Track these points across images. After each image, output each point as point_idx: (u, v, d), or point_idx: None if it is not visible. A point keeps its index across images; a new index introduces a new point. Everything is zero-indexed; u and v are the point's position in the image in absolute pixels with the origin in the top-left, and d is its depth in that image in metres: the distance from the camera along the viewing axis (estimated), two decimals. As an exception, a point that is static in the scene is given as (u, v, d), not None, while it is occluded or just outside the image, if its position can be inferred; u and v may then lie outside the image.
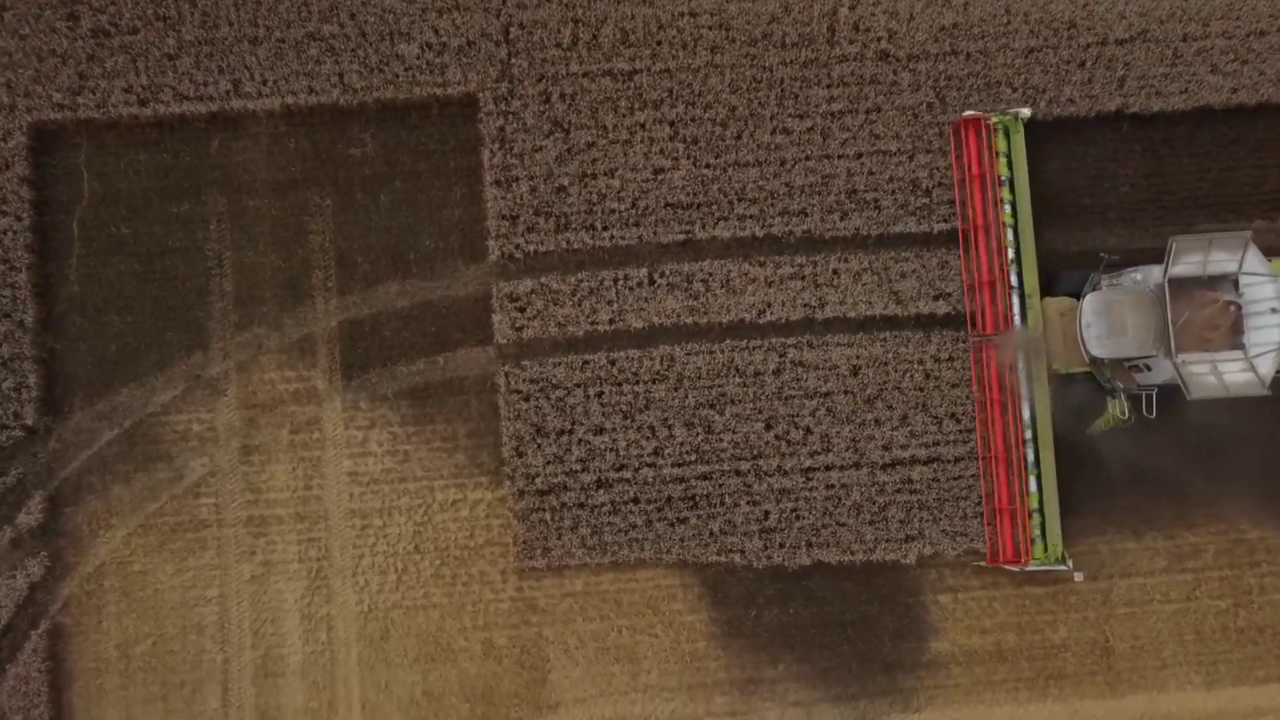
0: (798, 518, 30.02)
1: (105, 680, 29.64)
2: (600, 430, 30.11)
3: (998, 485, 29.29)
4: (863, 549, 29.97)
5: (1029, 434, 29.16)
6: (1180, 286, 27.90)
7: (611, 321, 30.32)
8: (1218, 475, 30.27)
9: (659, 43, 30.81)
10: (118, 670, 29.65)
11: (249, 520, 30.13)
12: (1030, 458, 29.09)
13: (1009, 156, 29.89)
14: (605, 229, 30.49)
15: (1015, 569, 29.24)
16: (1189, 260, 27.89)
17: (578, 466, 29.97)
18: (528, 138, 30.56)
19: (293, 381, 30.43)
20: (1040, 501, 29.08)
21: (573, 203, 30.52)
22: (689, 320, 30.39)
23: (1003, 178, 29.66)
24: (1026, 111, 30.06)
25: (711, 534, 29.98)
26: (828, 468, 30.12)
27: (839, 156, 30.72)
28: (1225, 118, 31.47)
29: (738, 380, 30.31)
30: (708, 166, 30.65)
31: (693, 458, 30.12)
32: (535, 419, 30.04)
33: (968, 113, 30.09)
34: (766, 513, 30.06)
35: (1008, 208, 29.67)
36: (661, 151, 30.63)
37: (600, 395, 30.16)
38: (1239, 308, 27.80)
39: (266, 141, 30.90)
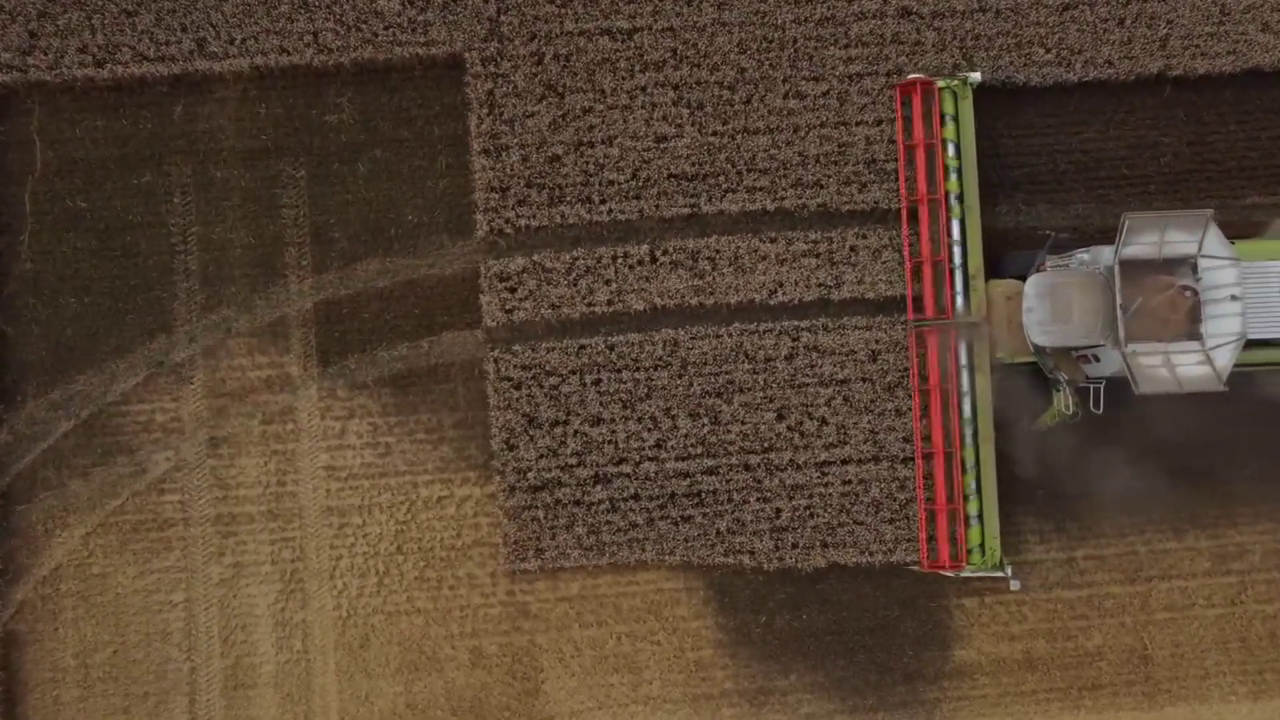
0: (811, 516, 29.02)
1: (63, 691, 28.77)
2: (598, 421, 29.08)
3: (935, 484, 28.29)
4: (881, 550, 28.92)
5: (968, 429, 28.10)
6: (1133, 269, 26.37)
7: (610, 303, 29.29)
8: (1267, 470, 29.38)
9: None
10: (76, 680, 28.79)
11: (217, 518, 29.20)
12: (969, 455, 28.12)
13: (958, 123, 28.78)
14: (603, 202, 29.40)
15: (952, 574, 28.39)
16: (1143, 240, 26.29)
17: (573, 460, 28.98)
18: (518, 102, 29.43)
19: (264, 368, 29.50)
20: (980, 502, 28.16)
21: (567, 173, 29.41)
22: (694, 301, 29.34)
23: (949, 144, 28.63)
24: (976, 75, 28.82)
25: (718, 533, 29.03)
26: (844, 461, 29.07)
27: (857, 123, 29.65)
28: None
29: (747, 366, 29.21)
30: (714, 134, 29.62)
31: (698, 451, 29.09)
32: (527, 409, 28.98)
33: (912, 75, 29.08)
34: (778, 510, 29.05)
35: (954, 179, 28.58)
36: (664, 118, 29.58)
37: (598, 383, 29.12)
38: (1195, 294, 26.22)
39: (234, 106, 29.89)
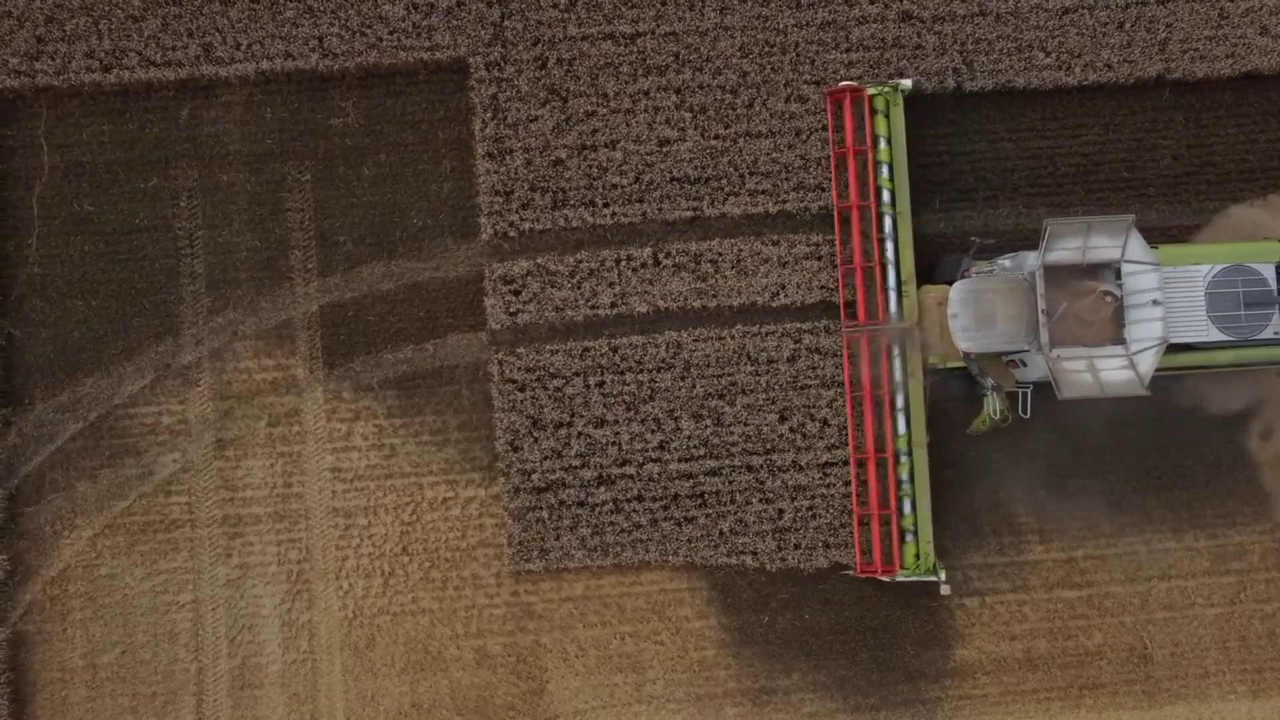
0: (814, 516, 28.96)
1: (70, 691, 28.73)
2: (601, 423, 29.05)
3: (868, 489, 28.15)
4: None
5: (902, 434, 28.01)
6: (1058, 275, 26.21)
7: (613, 305, 29.24)
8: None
9: (664, 3, 29.67)
10: (84, 681, 28.75)
11: (224, 520, 29.14)
12: (903, 460, 28.01)
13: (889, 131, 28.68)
14: (606, 205, 29.37)
15: (886, 579, 28.22)
16: (1066, 246, 26.09)
17: (577, 462, 28.96)
18: (522, 106, 29.41)
19: (270, 370, 29.45)
20: (914, 507, 28.10)
21: (571, 177, 29.37)
22: (697, 304, 29.30)
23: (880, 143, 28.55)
24: (907, 83, 28.70)
25: (721, 534, 29.01)
26: (846, 463, 28.97)
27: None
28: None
29: (749, 368, 29.18)
30: (717, 137, 29.57)
31: (701, 452, 29.06)
32: (531, 410, 28.98)
33: (844, 83, 28.91)
34: (780, 511, 29.00)
35: (886, 181, 28.50)
36: (667, 121, 29.54)
37: (601, 385, 29.08)
38: (1116, 299, 26.05)
39: (240, 110, 29.83)
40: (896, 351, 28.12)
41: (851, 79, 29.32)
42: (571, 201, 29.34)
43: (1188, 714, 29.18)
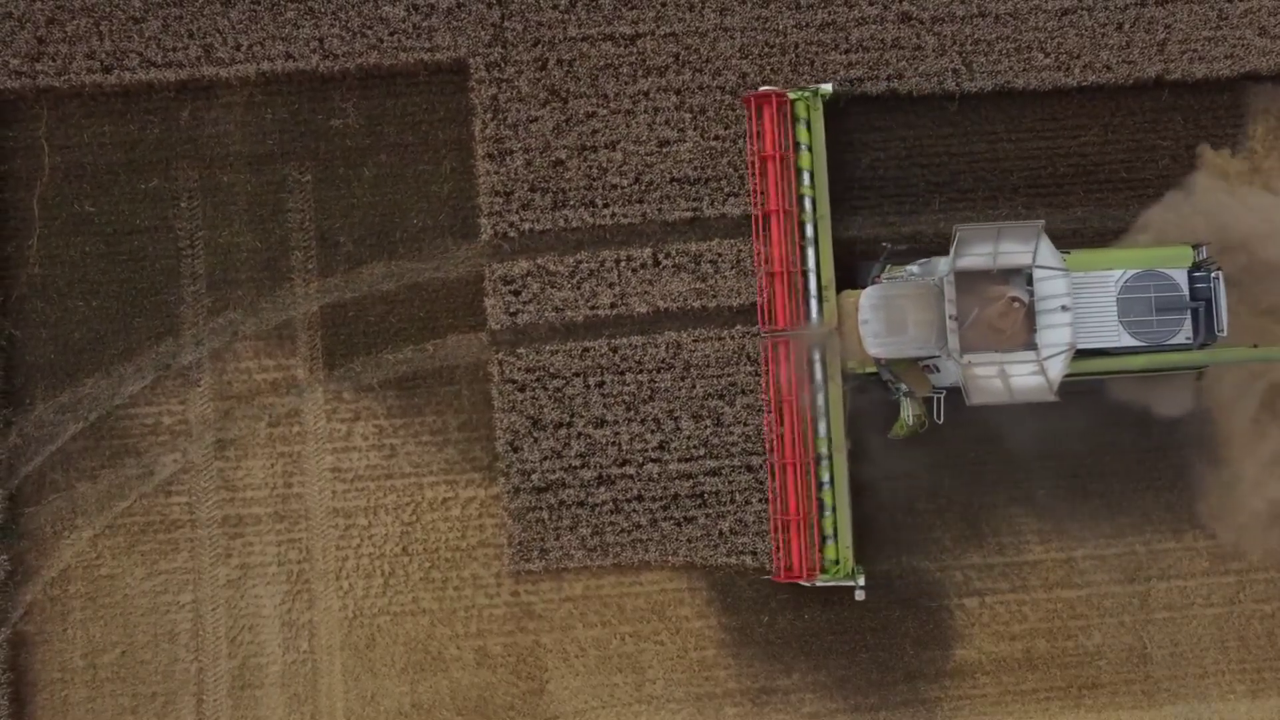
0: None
1: (71, 691, 28.69)
2: (601, 423, 29.06)
3: (785, 494, 27.73)
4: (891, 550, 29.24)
5: (822, 438, 27.65)
6: (971, 281, 25.90)
7: (613, 305, 29.24)
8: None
9: (664, 4, 29.63)
10: (84, 681, 28.71)
11: (224, 520, 29.10)
12: (823, 464, 27.71)
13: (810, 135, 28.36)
14: (606, 206, 29.36)
15: (806, 584, 27.94)
16: (977, 252, 25.73)
17: (577, 462, 28.97)
18: (522, 107, 29.39)
19: (271, 371, 29.40)
20: (834, 511, 27.81)
21: (571, 177, 29.37)
22: (696, 304, 29.30)
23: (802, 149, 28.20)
24: (828, 88, 28.44)
25: (721, 534, 29.01)
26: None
27: (858, 127, 29.80)
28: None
29: (749, 369, 29.14)
30: (716, 138, 29.57)
31: (701, 452, 29.07)
32: (531, 411, 28.98)
33: (763, 88, 28.60)
34: None
35: (808, 189, 28.19)
36: (667, 122, 29.54)
37: (601, 385, 29.08)
38: (1023, 305, 25.79)
39: (241, 111, 29.79)
40: (816, 356, 27.76)
41: (853, 79, 29.36)
42: (571, 202, 29.34)
43: (1187, 714, 29.15)
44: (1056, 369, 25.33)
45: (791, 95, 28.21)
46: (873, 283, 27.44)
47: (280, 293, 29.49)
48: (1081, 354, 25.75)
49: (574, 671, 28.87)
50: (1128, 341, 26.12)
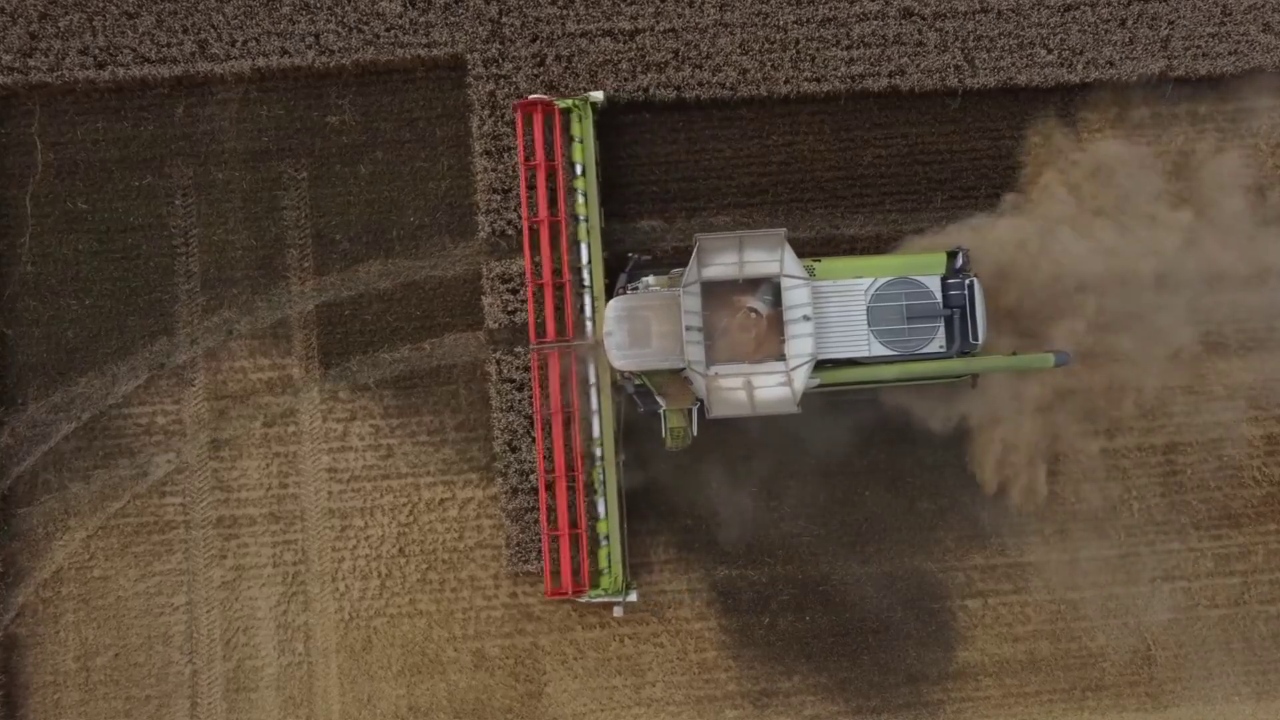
0: None
1: (63, 695, 28.41)
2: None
3: (557, 508, 27.17)
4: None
5: (595, 450, 27.09)
6: (720, 291, 25.49)
7: None
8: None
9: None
10: (77, 684, 28.43)
11: (219, 521, 28.82)
12: (597, 477, 27.15)
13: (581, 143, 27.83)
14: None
15: (579, 599, 27.43)
16: (721, 262, 25.32)
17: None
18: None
19: (266, 370, 29.15)
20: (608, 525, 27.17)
21: None
22: None
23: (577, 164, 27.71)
24: (598, 95, 28.14)
25: None
26: None
27: (858, 124, 29.60)
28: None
29: None
30: None
31: None
32: (529, 410, 28.54)
33: (532, 96, 28.22)
34: None
35: (580, 199, 27.66)
36: None
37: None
38: (759, 315, 25.42)
39: (236, 108, 29.58)
40: (587, 368, 27.23)
41: (853, 75, 29.23)
42: (570, 199, 29.05)
43: (1191, 716, 28.91)
44: (799, 380, 24.86)
45: (561, 105, 27.67)
46: (619, 294, 26.76)
47: (275, 291, 29.23)
48: (834, 364, 25.40)
49: (573, 674, 28.59)
50: (879, 350, 25.60)
